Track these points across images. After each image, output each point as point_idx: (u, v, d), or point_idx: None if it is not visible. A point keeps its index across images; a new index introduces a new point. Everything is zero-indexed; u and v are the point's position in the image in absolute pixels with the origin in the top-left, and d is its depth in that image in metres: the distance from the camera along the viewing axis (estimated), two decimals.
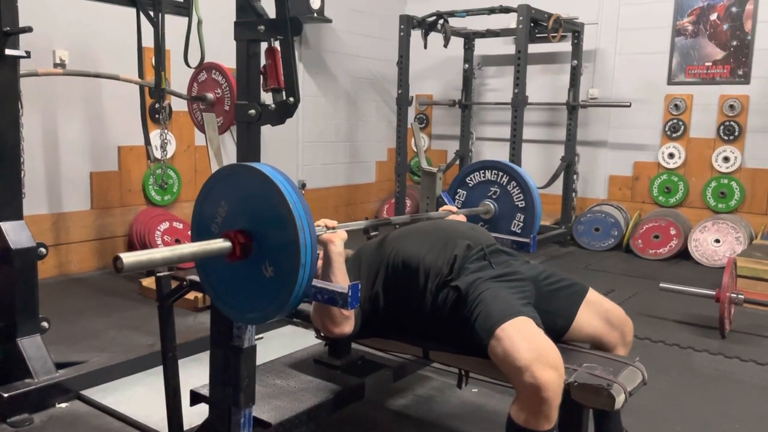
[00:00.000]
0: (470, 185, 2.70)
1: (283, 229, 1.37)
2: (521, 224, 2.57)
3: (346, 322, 1.88)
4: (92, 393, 2.49)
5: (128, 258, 1.21)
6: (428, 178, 3.04)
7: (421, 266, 1.96)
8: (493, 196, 2.63)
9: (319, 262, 1.92)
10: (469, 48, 6.29)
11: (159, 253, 1.30)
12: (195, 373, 2.28)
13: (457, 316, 1.87)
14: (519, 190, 2.57)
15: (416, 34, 5.52)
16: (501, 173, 2.61)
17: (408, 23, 5.45)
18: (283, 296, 1.40)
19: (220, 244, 1.42)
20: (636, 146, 5.81)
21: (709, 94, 5.42)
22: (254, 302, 1.47)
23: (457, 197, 2.72)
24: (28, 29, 2.37)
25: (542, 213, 6.05)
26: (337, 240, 1.86)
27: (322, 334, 2.36)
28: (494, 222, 2.64)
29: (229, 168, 1.50)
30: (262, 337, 3.03)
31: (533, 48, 5.26)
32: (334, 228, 1.87)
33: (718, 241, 5.09)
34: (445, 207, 2.55)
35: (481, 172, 2.66)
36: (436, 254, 1.98)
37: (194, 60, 3.24)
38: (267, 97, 1.79)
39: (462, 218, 2.47)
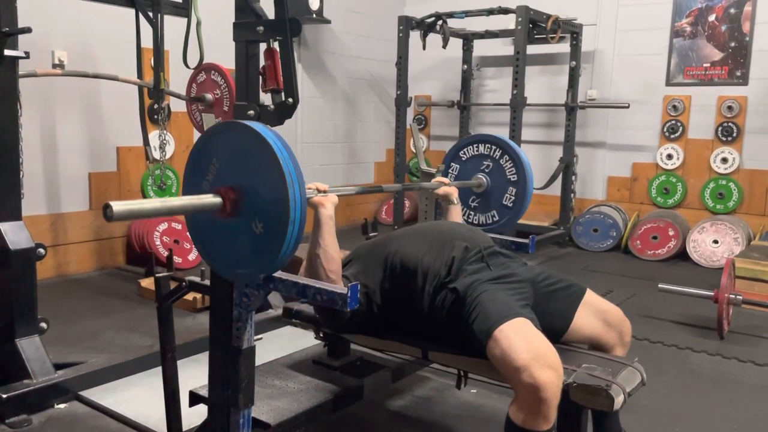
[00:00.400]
0: (463, 159, 2.70)
1: (274, 186, 1.39)
2: (513, 198, 2.58)
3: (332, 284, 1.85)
4: (91, 394, 2.49)
5: (118, 206, 1.22)
6: (427, 179, 3.05)
7: (419, 268, 1.96)
8: (486, 170, 2.64)
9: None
10: (467, 49, 6.29)
11: (149, 203, 1.32)
12: (194, 374, 2.27)
13: (455, 318, 1.88)
14: (512, 164, 2.58)
15: (415, 35, 5.53)
16: (494, 147, 2.62)
17: (407, 24, 5.45)
18: (272, 253, 1.42)
19: (210, 199, 1.44)
20: (634, 147, 5.82)
21: (708, 95, 5.43)
22: (244, 259, 1.49)
23: (450, 171, 2.72)
24: (27, 30, 2.37)
25: (540, 213, 6.03)
26: (328, 203, 1.85)
27: (321, 335, 2.37)
28: (486, 195, 2.65)
29: (222, 125, 1.51)
30: (261, 338, 3.03)
31: (532, 49, 5.26)
32: (325, 191, 1.87)
33: (716, 241, 5.09)
34: (438, 178, 2.55)
35: (475, 145, 2.67)
36: (434, 256, 1.98)
37: (193, 61, 3.24)
38: (266, 98, 1.80)
39: (456, 195, 2.47)
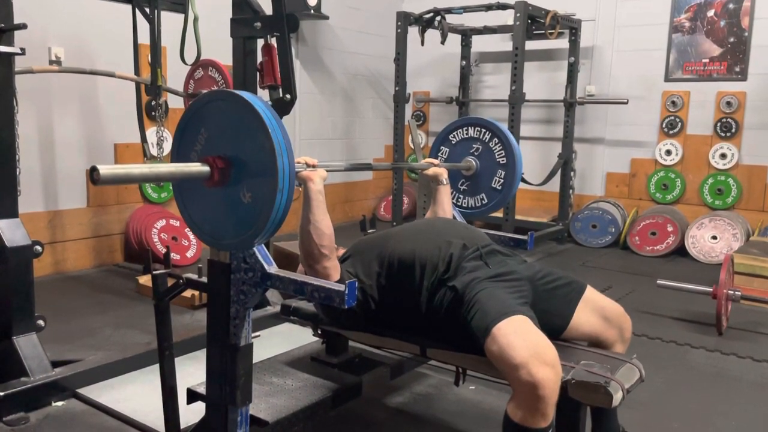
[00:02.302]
0: (453, 142, 2.69)
1: (262, 155, 1.39)
2: (502, 181, 2.58)
3: (325, 259, 1.86)
4: (89, 391, 2.48)
5: (105, 170, 1.22)
6: (425, 176, 3.04)
7: (417, 265, 1.96)
8: (476, 153, 2.63)
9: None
10: (466, 45, 6.28)
11: (137, 168, 1.33)
12: (192, 372, 2.27)
13: (454, 316, 1.87)
14: (501, 147, 2.57)
15: (413, 31, 5.51)
16: (483, 130, 2.61)
17: (405, 20, 5.44)
18: (260, 222, 1.42)
19: (198, 167, 1.44)
20: (633, 143, 5.81)
21: (706, 91, 5.42)
22: (232, 228, 1.49)
23: (440, 154, 2.72)
24: (23, 26, 2.36)
25: (539, 209, 6.02)
26: (317, 178, 1.84)
27: (319, 331, 2.36)
28: (475, 178, 2.64)
29: (210, 94, 1.51)
30: (259, 335, 3.02)
31: (530, 45, 5.25)
32: (314, 166, 1.86)
33: (715, 237, 5.09)
34: (427, 159, 2.55)
35: (464, 128, 2.66)
36: (432, 253, 1.97)
37: (190, 57, 3.23)
38: (264, 94, 1.79)
39: (445, 176, 2.46)
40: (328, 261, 1.87)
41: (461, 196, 2.67)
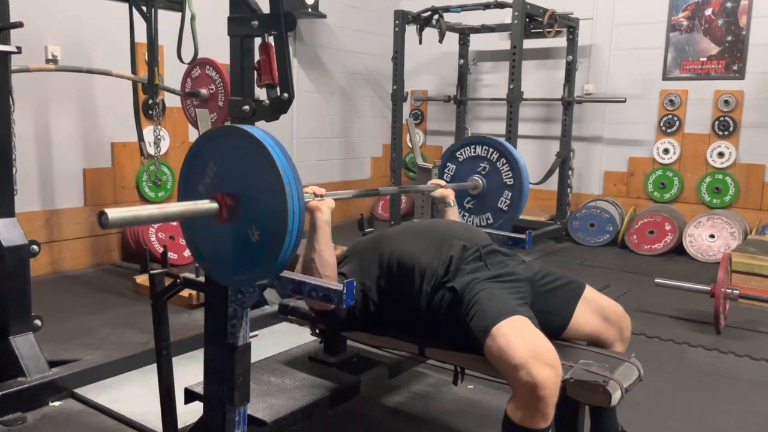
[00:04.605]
0: (460, 160, 2.68)
1: (272, 195, 1.36)
2: (508, 202, 2.56)
3: None
4: (86, 391, 2.48)
5: (113, 213, 1.21)
6: (423, 174, 3.04)
7: (417, 267, 1.95)
8: (482, 172, 2.62)
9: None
10: (464, 43, 6.27)
11: (145, 210, 1.31)
12: (189, 371, 2.26)
13: (453, 317, 1.86)
14: (508, 168, 2.56)
15: (411, 30, 5.50)
16: (491, 149, 2.59)
17: (403, 18, 5.43)
18: (268, 261, 1.40)
19: (206, 205, 1.42)
20: (631, 142, 5.82)
21: (704, 89, 5.42)
22: (240, 265, 1.47)
23: (446, 171, 2.70)
24: (19, 24, 2.35)
25: (537, 208, 6.02)
26: (325, 208, 1.86)
27: (317, 331, 2.36)
28: (481, 198, 2.63)
29: (220, 129, 1.49)
30: (256, 335, 3.02)
31: (528, 43, 5.24)
32: (322, 195, 1.87)
33: (712, 236, 5.10)
34: (434, 180, 2.54)
35: (472, 147, 2.65)
36: (431, 255, 1.96)
37: (188, 55, 3.22)
38: (261, 93, 1.78)
39: (452, 197, 2.46)
40: None
41: (467, 214, 2.65)
